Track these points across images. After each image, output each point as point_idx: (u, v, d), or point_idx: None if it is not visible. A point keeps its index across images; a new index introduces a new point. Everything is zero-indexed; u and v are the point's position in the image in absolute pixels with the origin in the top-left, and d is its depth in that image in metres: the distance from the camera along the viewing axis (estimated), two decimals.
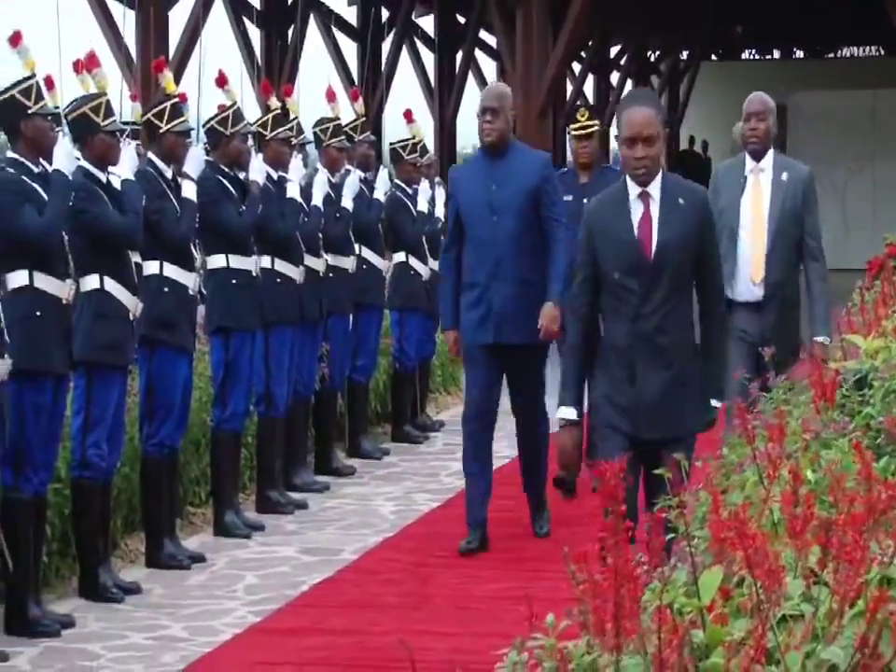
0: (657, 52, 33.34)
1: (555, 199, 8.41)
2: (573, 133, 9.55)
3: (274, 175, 9.58)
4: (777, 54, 35.67)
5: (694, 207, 5.96)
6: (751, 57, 35.80)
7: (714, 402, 5.82)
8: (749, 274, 7.76)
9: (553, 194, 8.40)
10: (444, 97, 24.68)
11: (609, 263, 5.90)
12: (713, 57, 33.66)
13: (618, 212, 5.94)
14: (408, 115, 11.66)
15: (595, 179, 9.20)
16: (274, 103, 10.21)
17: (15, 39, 7.32)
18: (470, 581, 7.73)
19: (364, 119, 11.40)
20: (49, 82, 7.56)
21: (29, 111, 6.95)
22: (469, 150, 29.39)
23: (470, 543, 8.16)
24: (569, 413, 5.93)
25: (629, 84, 32.77)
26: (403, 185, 11.84)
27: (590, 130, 9.44)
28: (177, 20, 16.75)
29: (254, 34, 19.82)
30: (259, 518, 9.41)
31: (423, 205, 11.82)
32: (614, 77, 32.80)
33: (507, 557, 8.21)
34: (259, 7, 19.87)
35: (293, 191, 9.59)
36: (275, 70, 19.13)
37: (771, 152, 7.85)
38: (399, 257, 11.88)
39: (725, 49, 34.71)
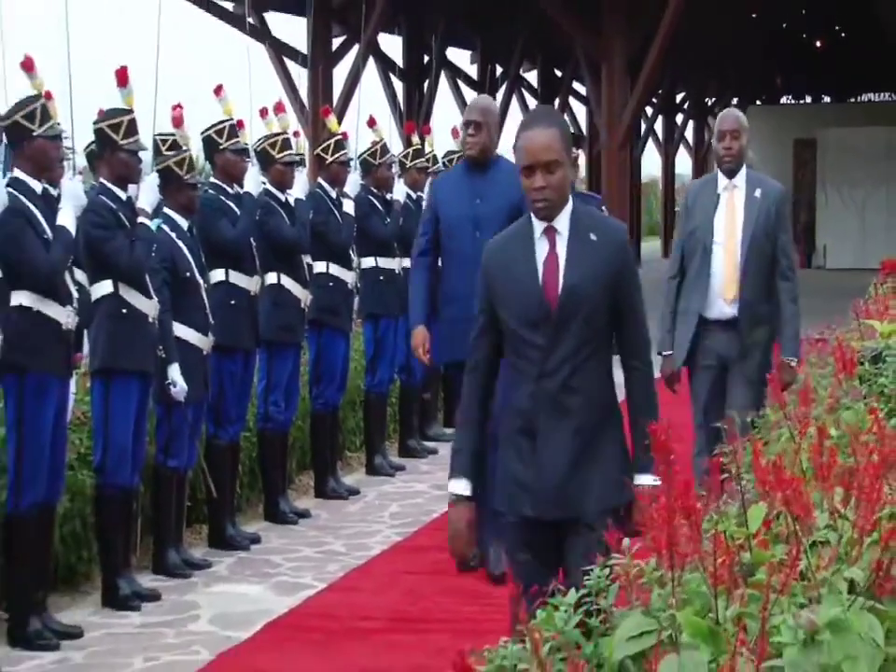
0: (713, 98, 32.96)
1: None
2: None
3: (413, 195, 9.66)
4: (809, 99, 35.13)
5: (610, 246, 3.83)
6: (788, 101, 35.30)
7: (639, 478, 3.75)
8: (721, 292, 6.19)
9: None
10: None
11: (509, 312, 3.88)
12: (758, 102, 33.19)
13: (520, 252, 3.88)
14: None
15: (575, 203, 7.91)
16: (415, 140, 10.24)
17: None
18: None
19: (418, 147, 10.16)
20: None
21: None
22: None
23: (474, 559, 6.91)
24: (461, 486, 3.86)
25: (691, 124, 32.48)
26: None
27: None
28: (339, 75, 16.86)
29: (398, 85, 19.85)
30: (402, 461, 9.62)
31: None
32: (679, 118, 32.75)
33: None
34: (402, 66, 19.92)
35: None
36: (414, 114, 19.13)
37: (744, 169, 6.33)
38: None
39: (768, 95, 34.26)
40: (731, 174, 6.26)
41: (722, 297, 6.17)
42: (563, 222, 3.79)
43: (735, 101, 32.93)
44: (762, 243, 6.18)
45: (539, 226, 3.82)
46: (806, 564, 2.26)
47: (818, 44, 29.00)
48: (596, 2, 16.00)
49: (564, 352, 3.76)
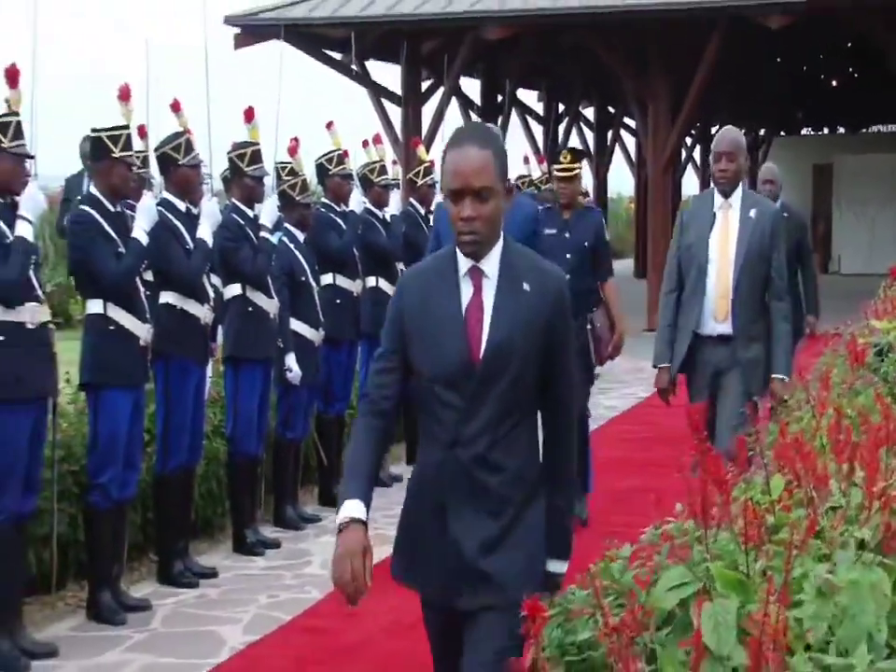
0: (743, 129, 32.54)
1: (539, 239, 5.85)
2: (556, 173, 6.82)
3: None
4: (826, 130, 34.54)
5: (546, 297, 2.75)
6: (808, 132, 34.73)
7: (557, 565, 2.82)
8: (713, 311, 5.30)
9: (535, 235, 5.82)
10: (600, 162, 24.63)
11: (423, 362, 2.77)
12: (782, 133, 32.68)
13: (442, 291, 2.76)
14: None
15: (577, 217, 6.68)
16: (554, 172, 10.31)
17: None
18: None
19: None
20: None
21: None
22: (614, 196, 28.86)
23: None
24: (353, 508, 2.75)
25: None
26: (373, 208, 7.75)
27: (571, 173, 6.70)
28: (427, 112, 16.87)
29: (476, 120, 19.86)
30: None
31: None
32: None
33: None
34: (479, 104, 19.92)
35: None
36: None
37: (740, 189, 5.38)
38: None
39: (790, 126, 33.72)
40: (725, 194, 5.35)
41: (714, 315, 5.29)
42: (492, 264, 2.70)
43: (762, 132, 32.48)
44: (755, 263, 5.26)
45: (464, 263, 2.71)
46: (822, 525, 2.23)
47: (833, 83, 28.58)
48: (643, 52, 15.93)
49: (484, 418, 2.67)
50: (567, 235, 6.53)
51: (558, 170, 6.70)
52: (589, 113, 25.17)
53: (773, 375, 5.19)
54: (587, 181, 15.63)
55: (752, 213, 5.30)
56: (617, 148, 25.35)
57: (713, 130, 31.40)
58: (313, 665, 4.70)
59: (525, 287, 2.70)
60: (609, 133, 24.78)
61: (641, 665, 2.00)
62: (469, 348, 2.68)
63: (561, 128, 23.26)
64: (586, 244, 6.56)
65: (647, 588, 2.31)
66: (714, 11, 14.44)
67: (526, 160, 10.81)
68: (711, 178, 5.47)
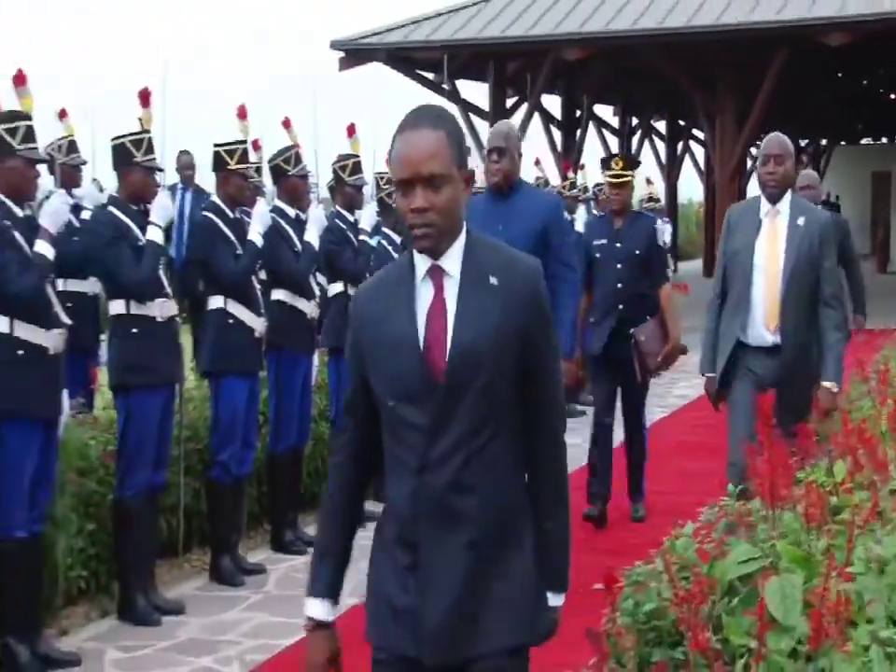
0: (806, 139, 31.86)
1: (564, 240, 5.11)
2: (607, 179, 6.22)
3: (569, 218, 9.58)
4: (885, 139, 33.68)
5: (517, 292, 2.21)
6: (868, 142, 33.88)
7: (552, 598, 2.29)
8: (762, 320, 4.71)
9: (560, 235, 5.07)
10: (671, 171, 24.40)
11: (380, 381, 2.25)
12: (842, 142, 31.93)
13: (395, 300, 2.24)
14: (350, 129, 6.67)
15: (628, 224, 6.06)
16: (570, 175, 10.21)
17: (286, 122, 6.45)
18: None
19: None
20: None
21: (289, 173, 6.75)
22: (684, 202, 28.49)
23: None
24: (318, 608, 2.29)
25: None
26: (344, 212, 6.45)
27: (622, 179, 6.08)
28: None
29: (556, 134, 19.73)
30: None
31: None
32: None
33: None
34: (560, 119, 19.81)
35: None
36: (569, 155, 18.97)
37: (788, 195, 4.79)
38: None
39: (851, 136, 32.93)
40: (773, 199, 4.76)
41: (764, 325, 4.71)
42: (453, 260, 2.16)
43: (823, 141, 31.81)
44: (804, 271, 4.68)
45: (422, 264, 2.17)
46: (883, 506, 2.19)
47: (892, 96, 27.86)
48: (711, 69, 15.73)
49: (454, 435, 2.13)
50: (617, 245, 5.98)
51: (609, 176, 6.14)
52: (661, 126, 24.91)
53: (822, 383, 4.61)
54: (659, 188, 15.43)
55: (801, 221, 4.74)
56: (687, 158, 25.08)
57: None
58: None
59: (493, 281, 2.15)
60: (680, 144, 24.53)
61: (708, 633, 1.98)
62: (430, 357, 2.13)
63: (635, 139, 23.06)
64: (638, 252, 5.97)
65: (709, 562, 2.29)
66: (777, 31, 14.19)
67: (538, 161, 10.47)
68: (759, 183, 4.88)
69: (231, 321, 5.29)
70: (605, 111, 22.88)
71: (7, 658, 4.21)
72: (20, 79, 4.27)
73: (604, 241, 6.03)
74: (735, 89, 15.69)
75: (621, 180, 6.08)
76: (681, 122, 24.42)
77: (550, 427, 2.25)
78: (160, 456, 4.88)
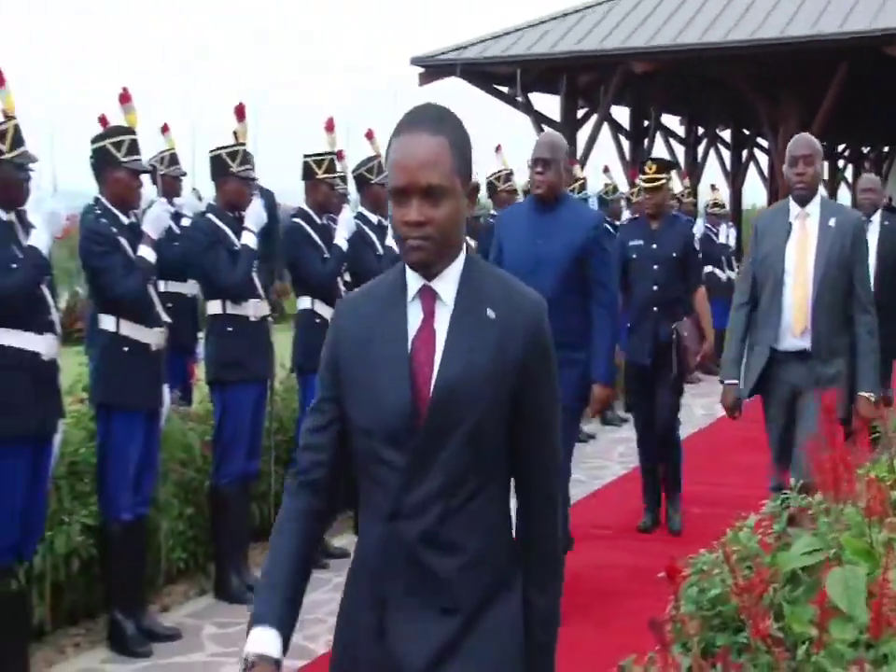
0: (868, 146, 31.12)
1: (604, 261, 4.54)
2: (641, 183, 5.93)
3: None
4: None
5: (518, 328, 1.80)
6: None
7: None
8: (791, 325, 4.34)
9: (601, 255, 4.50)
10: (736, 178, 24.10)
11: (357, 411, 1.83)
12: None
13: (384, 319, 1.82)
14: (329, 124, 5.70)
15: (665, 226, 5.77)
16: (639, 182, 10.09)
17: (369, 134, 6.19)
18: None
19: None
20: (511, 173, 7.64)
21: (498, 189, 6.83)
22: (749, 207, 28.12)
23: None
24: (263, 641, 1.76)
25: (850, 169, 30.78)
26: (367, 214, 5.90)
27: (655, 184, 5.76)
28: (582, 136, 16.72)
29: (625, 143, 19.56)
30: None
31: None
32: (840, 163, 31.08)
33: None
34: (628, 129, 19.64)
35: None
36: (637, 163, 18.80)
37: (818, 197, 4.42)
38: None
39: None
40: (803, 201, 4.38)
41: (791, 330, 4.34)
42: (448, 284, 1.80)
43: (885, 149, 31.03)
44: (835, 274, 4.31)
45: (414, 283, 1.82)
46: None
47: None
48: (775, 79, 15.47)
49: (434, 483, 1.77)
50: (653, 246, 5.73)
51: (643, 180, 5.87)
52: (726, 134, 24.55)
53: (859, 393, 4.27)
54: (723, 194, 15.17)
55: (832, 222, 4.35)
56: (751, 165, 24.70)
57: (839, 148, 30.28)
58: None
59: (491, 314, 1.79)
60: (744, 152, 24.16)
61: (769, 620, 1.95)
62: (413, 391, 1.76)
63: (700, 148, 22.81)
64: (674, 254, 5.72)
65: (770, 552, 2.25)
66: (839, 42, 13.90)
67: (606, 169, 10.08)
68: (787, 185, 4.51)
69: (318, 321, 5.33)
70: (672, 121, 22.62)
71: (114, 632, 4.31)
72: (124, 97, 4.35)
73: (640, 242, 5.77)
74: (798, 98, 15.39)
75: (654, 184, 5.82)
76: (746, 131, 24.02)
77: (544, 485, 1.87)
78: (252, 447, 4.94)
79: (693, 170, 22.29)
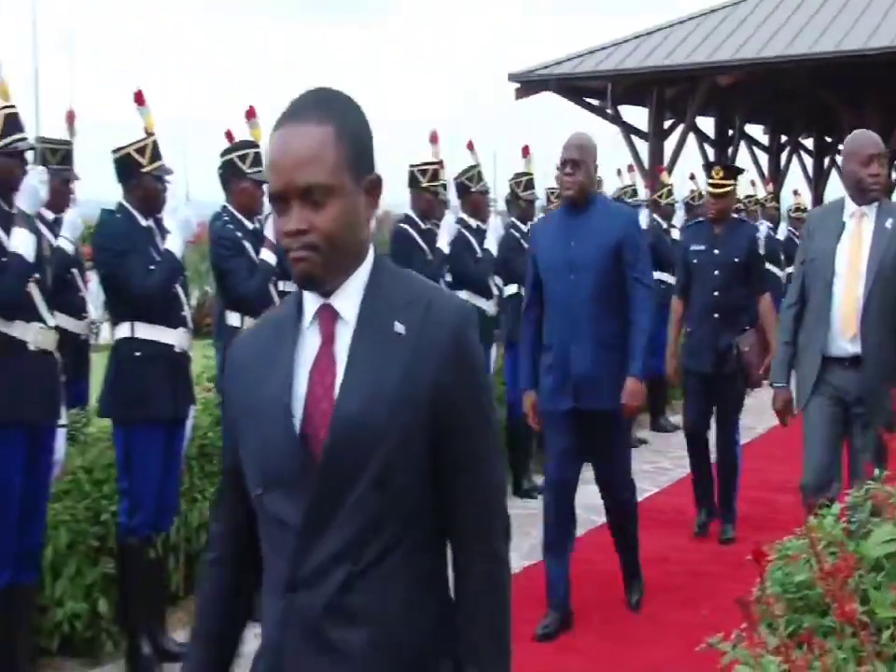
0: None
1: (639, 257, 4.09)
2: (708, 189, 5.42)
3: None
4: None
5: (432, 342, 1.35)
6: None
7: None
8: (841, 329, 3.82)
9: (634, 250, 4.08)
10: (818, 184, 23.50)
11: (248, 460, 1.41)
12: None
13: (275, 349, 1.40)
14: (469, 145, 5.98)
15: (728, 231, 5.27)
16: (706, 187, 9.92)
17: (470, 145, 6.13)
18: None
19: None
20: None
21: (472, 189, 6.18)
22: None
23: (547, 628, 4.13)
24: None
25: None
26: (519, 223, 6.27)
27: (721, 190, 5.27)
28: (668, 145, 16.49)
29: (710, 151, 19.21)
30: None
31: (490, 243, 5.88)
32: None
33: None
34: (713, 138, 19.28)
35: None
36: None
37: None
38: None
39: None
40: (872, 201, 3.87)
41: (841, 334, 3.82)
42: (350, 299, 1.43)
43: None
44: (889, 277, 3.78)
45: (311, 303, 1.44)
46: None
47: None
48: (858, 88, 15.00)
49: (335, 542, 1.37)
50: (715, 251, 5.22)
51: (710, 185, 5.38)
52: (808, 142, 23.90)
53: None
54: (805, 199, 14.75)
55: (889, 223, 3.83)
56: (833, 172, 24.01)
57: None
58: (577, 590, 4.65)
59: (398, 329, 1.38)
60: (826, 159, 23.49)
61: (855, 604, 1.90)
62: (306, 430, 1.38)
63: (783, 155, 22.27)
64: (736, 259, 5.20)
65: (853, 539, 2.19)
66: None
67: (632, 168, 9.30)
68: (850, 184, 3.94)
69: None
70: (756, 130, 22.12)
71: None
72: (250, 114, 4.43)
73: (702, 247, 5.28)
74: (881, 106, 14.90)
75: (721, 190, 5.31)
76: (828, 139, 23.36)
77: (480, 536, 1.42)
78: None
79: (776, 176, 21.77)
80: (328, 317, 1.43)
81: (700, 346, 5.24)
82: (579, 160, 4.08)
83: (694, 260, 5.28)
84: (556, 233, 4.16)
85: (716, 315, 5.21)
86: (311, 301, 1.44)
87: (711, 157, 19.14)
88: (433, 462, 1.40)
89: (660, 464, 7.15)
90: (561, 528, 4.17)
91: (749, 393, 5.51)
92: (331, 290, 1.42)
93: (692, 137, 17.45)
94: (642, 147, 16.56)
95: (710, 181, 5.38)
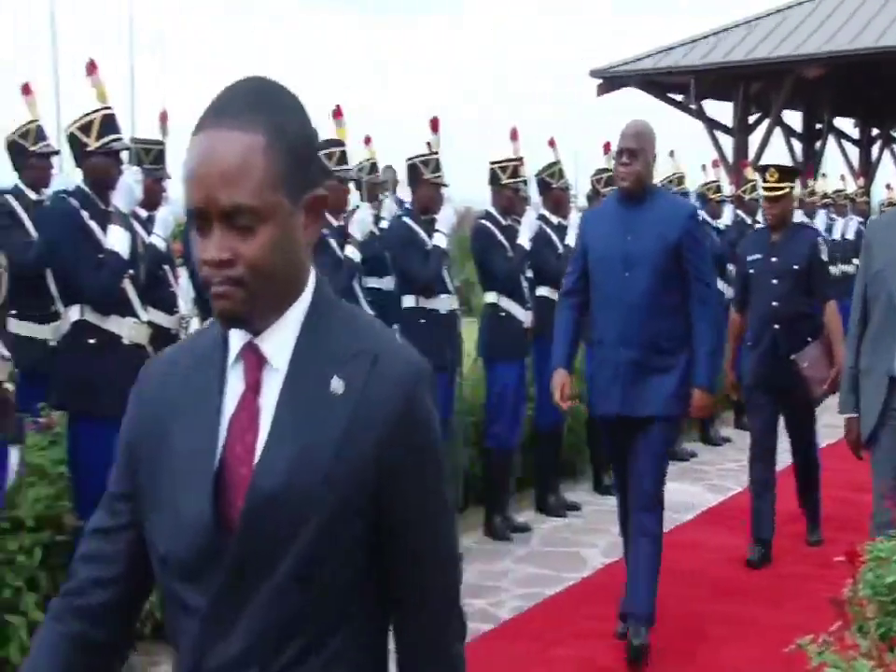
0: None
1: (701, 254, 3.76)
2: (762, 192, 4.99)
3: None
4: None
5: (378, 404, 1.09)
6: None
7: None
8: None
9: (697, 248, 3.74)
10: None
11: (152, 531, 1.12)
12: None
13: (194, 392, 1.11)
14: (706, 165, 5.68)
15: (787, 237, 4.82)
16: (811, 183, 9.66)
17: (551, 142, 5.95)
18: None
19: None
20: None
21: (552, 186, 5.88)
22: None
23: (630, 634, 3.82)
24: None
25: None
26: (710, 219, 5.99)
27: (777, 193, 4.79)
28: (753, 140, 16.15)
29: (796, 145, 18.69)
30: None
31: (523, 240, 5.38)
32: None
33: None
34: (800, 132, 18.76)
35: None
36: (810, 165, 17.95)
37: None
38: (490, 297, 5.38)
39: None
40: None
41: None
42: (281, 342, 1.16)
43: None
44: None
45: (237, 339, 1.17)
46: None
47: None
48: None
49: (245, 637, 1.11)
50: (773, 259, 4.80)
51: (764, 188, 4.88)
52: None
53: None
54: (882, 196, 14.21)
55: None
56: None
57: None
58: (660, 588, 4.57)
59: (336, 386, 1.13)
60: None
61: None
62: (219, 502, 1.13)
63: (875, 149, 21.55)
64: (796, 266, 4.77)
65: None
66: None
67: (716, 163, 8.78)
68: None
69: (502, 314, 5.34)
70: (845, 123, 21.47)
71: None
72: (338, 114, 4.47)
73: (758, 255, 4.83)
74: None
75: (776, 193, 4.81)
76: None
77: (431, 641, 1.18)
78: (442, 429, 4.95)
79: (867, 170, 21.09)
80: (253, 360, 1.15)
81: (761, 360, 4.83)
82: (636, 148, 3.74)
83: (751, 270, 4.87)
84: (611, 225, 3.80)
85: (776, 327, 4.80)
86: (237, 336, 1.16)
87: (798, 151, 18.66)
88: (372, 552, 1.13)
89: (745, 462, 6.97)
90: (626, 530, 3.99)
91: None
92: (260, 327, 1.15)
93: (777, 131, 17.01)
94: (726, 141, 16.21)
95: (765, 184, 4.90)
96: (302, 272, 1.17)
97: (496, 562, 4.98)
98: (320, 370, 1.13)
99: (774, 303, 4.81)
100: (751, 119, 16.73)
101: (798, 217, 8.81)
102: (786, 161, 17.66)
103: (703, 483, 6.45)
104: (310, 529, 1.10)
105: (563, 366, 3.90)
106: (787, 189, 4.85)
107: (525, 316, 5.37)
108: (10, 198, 4.58)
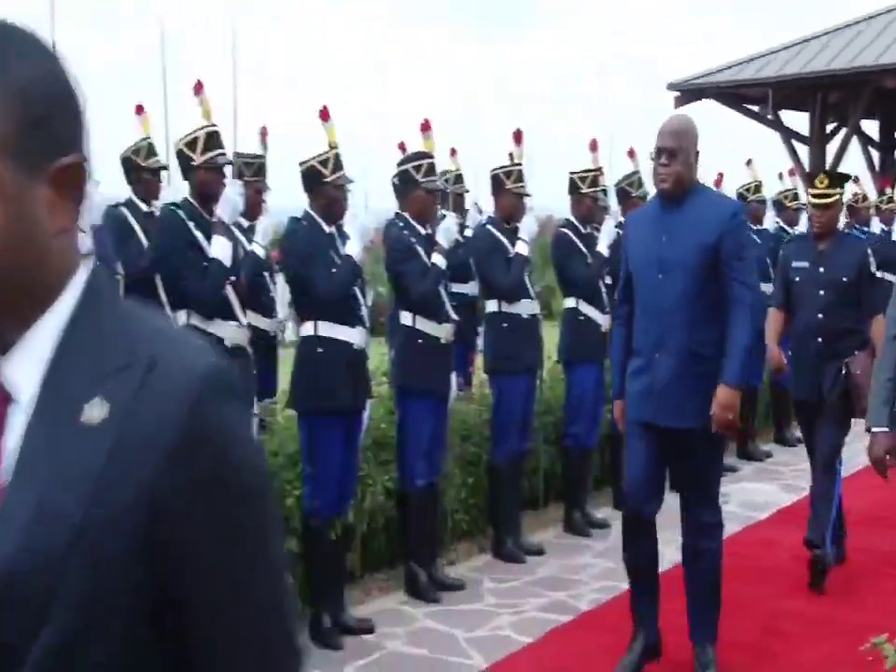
0: None
1: (741, 255, 3.44)
2: (810, 199, 4.69)
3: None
4: None
5: (146, 436, 0.73)
6: None
7: None
8: None
9: (738, 250, 3.43)
10: None
11: None
12: None
13: None
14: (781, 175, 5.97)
15: (835, 246, 4.53)
16: (889, 191, 9.42)
17: (631, 152, 6.04)
18: None
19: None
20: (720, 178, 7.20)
21: (748, 199, 6.22)
22: None
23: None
24: None
25: None
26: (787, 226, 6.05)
27: (826, 200, 4.51)
28: (830, 149, 15.81)
29: (874, 154, 18.17)
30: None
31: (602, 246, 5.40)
32: None
33: None
34: (878, 140, 18.26)
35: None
36: (888, 173, 17.45)
37: None
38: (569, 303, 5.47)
39: None
40: None
41: None
42: (29, 365, 0.80)
43: None
44: None
45: None
46: None
47: None
48: None
49: None
50: (820, 269, 4.51)
51: (813, 195, 4.59)
52: None
53: None
54: None
55: None
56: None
57: None
58: (731, 582, 4.53)
59: (93, 414, 0.80)
60: None
61: None
62: None
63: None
64: (844, 278, 4.49)
65: None
66: None
67: (792, 172, 8.47)
68: None
69: (581, 318, 5.40)
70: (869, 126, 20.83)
71: (410, 579, 4.49)
72: (426, 127, 4.57)
73: (805, 263, 4.55)
74: None
75: (825, 200, 4.53)
76: None
77: None
78: (524, 428, 5.05)
79: None
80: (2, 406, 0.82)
81: (801, 372, 4.52)
82: (675, 148, 3.46)
83: (797, 278, 4.58)
84: (648, 228, 3.56)
85: (819, 340, 4.49)
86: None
87: (876, 160, 18.16)
88: (158, 630, 0.81)
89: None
90: (640, 549, 3.70)
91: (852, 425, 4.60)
92: (5, 347, 0.83)
93: (854, 141, 16.61)
94: (803, 150, 15.93)
95: (813, 191, 4.61)
96: (54, 267, 0.83)
97: (575, 556, 5.02)
98: (74, 396, 0.80)
99: (819, 315, 4.54)
100: (828, 128, 16.40)
101: (875, 225, 8.67)
102: (863, 170, 17.26)
103: (778, 483, 6.39)
104: (60, 616, 0.77)
105: (620, 398, 3.65)
106: (836, 196, 4.61)
107: (603, 320, 5.42)
108: (124, 210, 4.84)
